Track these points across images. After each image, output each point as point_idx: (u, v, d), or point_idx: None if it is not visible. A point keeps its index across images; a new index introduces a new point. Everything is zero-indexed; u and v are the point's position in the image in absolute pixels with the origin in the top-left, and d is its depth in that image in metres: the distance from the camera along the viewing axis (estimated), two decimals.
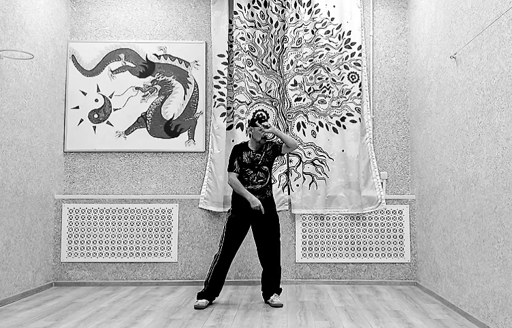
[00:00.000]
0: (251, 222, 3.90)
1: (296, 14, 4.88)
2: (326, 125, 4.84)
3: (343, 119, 4.82)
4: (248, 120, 3.92)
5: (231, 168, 3.91)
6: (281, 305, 3.78)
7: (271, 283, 3.88)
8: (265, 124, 3.86)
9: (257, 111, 3.98)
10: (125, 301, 4.03)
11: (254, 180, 3.86)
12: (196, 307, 3.72)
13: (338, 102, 4.83)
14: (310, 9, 4.90)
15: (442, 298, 3.93)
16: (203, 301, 3.78)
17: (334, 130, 4.83)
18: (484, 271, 3.18)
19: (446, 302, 3.83)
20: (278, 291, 3.91)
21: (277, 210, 4.76)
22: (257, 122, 3.87)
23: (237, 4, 4.89)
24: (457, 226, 3.63)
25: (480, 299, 3.25)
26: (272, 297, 3.84)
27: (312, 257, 4.75)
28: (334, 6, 4.90)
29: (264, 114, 3.89)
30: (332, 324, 3.25)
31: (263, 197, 3.88)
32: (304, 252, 4.76)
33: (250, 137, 3.98)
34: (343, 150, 4.80)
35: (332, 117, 4.83)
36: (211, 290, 3.82)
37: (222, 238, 3.88)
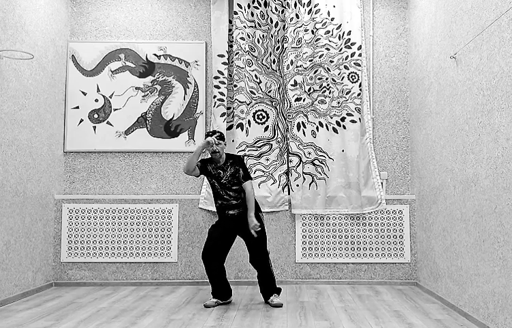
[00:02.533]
0: (237, 233, 3.91)
1: (296, 14, 4.88)
2: (326, 125, 4.83)
3: (343, 119, 4.82)
4: (208, 133, 3.89)
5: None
6: (281, 305, 3.78)
7: (267, 285, 3.88)
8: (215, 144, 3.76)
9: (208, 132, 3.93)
10: (125, 301, 4.03)
11: (227, 197, 3.85)
12: (205, 306, 3.78)
13: (338, 102, 4.83)
14: (310, 9, 4.89)
15: (442, 298, 3.93)
16: (212, 301, 3.82)
17: (334, 130, 4.82)
18: (484, 271, 3.18)
19: (446, 302, 3.83)
20: (278, 291, 3.90)
21: (277, 210, 4.78)
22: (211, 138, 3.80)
23: (237, 4, 4.89)
24: (457, 226, 3.63)
25: (480, 299, 3.25)
26: (271, 297, 3.85)
27: (312, 257, 4.75)
28: (334, 6, 4.90)
29: (218, 132, 3.86)
30: (332, 325, 3.25)
31: (242, 210, 3.85)
32: (304, 252, 4.76)
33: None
34: (343, 150, 4.80)
35: (332, 117, 4.83)
36: (216, 291, 3.86)
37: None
